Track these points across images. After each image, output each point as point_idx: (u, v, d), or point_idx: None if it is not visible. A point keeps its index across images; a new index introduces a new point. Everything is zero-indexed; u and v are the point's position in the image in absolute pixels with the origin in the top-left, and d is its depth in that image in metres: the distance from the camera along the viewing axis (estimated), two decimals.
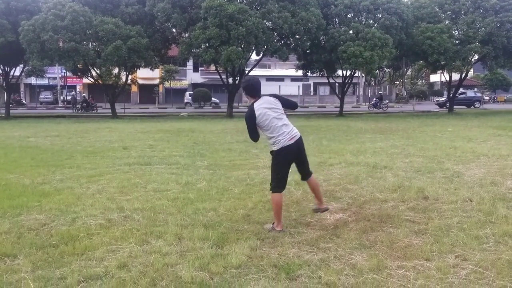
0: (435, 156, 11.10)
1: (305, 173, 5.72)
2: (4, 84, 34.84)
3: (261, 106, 5.35)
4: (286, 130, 5.37)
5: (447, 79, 39.28)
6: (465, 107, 46.04)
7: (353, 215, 6.13)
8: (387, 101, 47.64)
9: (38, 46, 28.40)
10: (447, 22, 34.25)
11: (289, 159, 5.47)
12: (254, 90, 5.48)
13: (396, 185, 7.76)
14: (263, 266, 4.36)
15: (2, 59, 32.02)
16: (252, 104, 5.41)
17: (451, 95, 39.58)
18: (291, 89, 60.67)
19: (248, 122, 5.40)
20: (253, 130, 5.42)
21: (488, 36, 32.55)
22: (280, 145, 5.35)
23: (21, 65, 35.28)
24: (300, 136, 5.52)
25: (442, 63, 34.34)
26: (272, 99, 5.45)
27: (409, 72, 74.11)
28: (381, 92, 52.91)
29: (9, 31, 29.38)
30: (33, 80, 54.57)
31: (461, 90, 53.17)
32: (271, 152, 5.48)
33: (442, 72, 40.54)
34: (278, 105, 5.42)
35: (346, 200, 6.90)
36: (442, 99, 51.25)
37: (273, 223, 5.50)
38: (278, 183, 5.45)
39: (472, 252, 4.68)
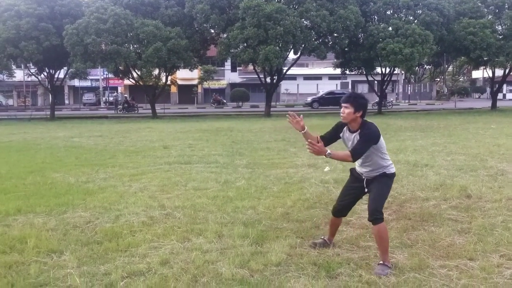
0: (478, 154, 10.84)
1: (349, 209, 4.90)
2: (49, 86, 35.94)
3: None
4: None
5: (490, 75, 38.18)
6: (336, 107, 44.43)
7: (393, 214, 6.07)
8: (392, 99, 46.53)
9: (82, 49, 29.15)
10: (490, 16, 33.29)
11: None
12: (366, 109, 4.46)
13: (437, 184, 7.63)
14: (303, 264, 4.37)
15: (47, 62, 33.01)
16: (371, 123, 4.44)
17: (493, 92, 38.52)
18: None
19: (373, 140, 4.35)
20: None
21: None
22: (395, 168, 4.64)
23: (65, 68, 36.37)
24: None
25: (485, 59, 33.48)
26: None
27: (450, 68, 72.40)
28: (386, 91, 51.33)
29: (53, 35, 30.30)
30: (76, 82, 56.10)
31: (329, 89, 50.84)
32: (386, 174, 4.48)
33: (485, 68, 39.41)
34: None
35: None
36: (309, 99, 48.09)
37: (381, 263, 4.29)
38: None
39: None
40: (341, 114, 4.32)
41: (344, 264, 4.35)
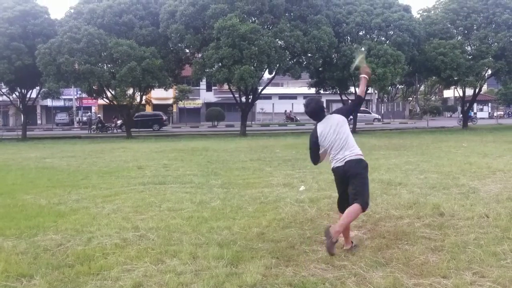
0: (450, 172, 11.00)
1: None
2: (21, 106, 35.37)
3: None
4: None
5: (461, 94, 39.07)
6: (149, 129, 43.70)
7: (368, 233, 6.10)
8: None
9: (54, 69, 28.87)
10: (459, 37, 34.19)
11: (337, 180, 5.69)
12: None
13: (411, 202, 7.70)
14: (278, 285, 4.34)
15: (19, 82, 32.55)
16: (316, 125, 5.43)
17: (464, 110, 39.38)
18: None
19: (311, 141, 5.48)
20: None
21: (501, 51, 32.46)
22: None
23: (38, 88, 35.83)
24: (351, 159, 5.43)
25: (455, 78, 34.20)
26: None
27: (422, 88, 73.85)
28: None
29: (26, 54, 29.95)
30: (49, 102, 55.35)
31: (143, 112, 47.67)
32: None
33: (456, 88, 40.34)
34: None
35: (361, 217, 6.82)
36: (119, 122, 44.59)
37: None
38: None
39: (489, 269, 4.61)
40: None
41: (319, 284, 4.34)
